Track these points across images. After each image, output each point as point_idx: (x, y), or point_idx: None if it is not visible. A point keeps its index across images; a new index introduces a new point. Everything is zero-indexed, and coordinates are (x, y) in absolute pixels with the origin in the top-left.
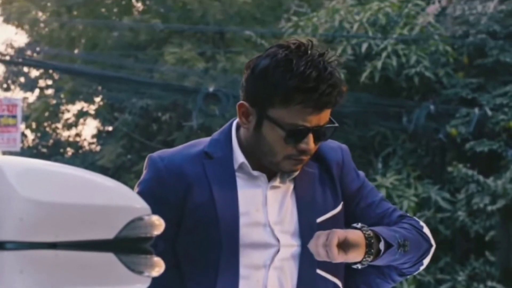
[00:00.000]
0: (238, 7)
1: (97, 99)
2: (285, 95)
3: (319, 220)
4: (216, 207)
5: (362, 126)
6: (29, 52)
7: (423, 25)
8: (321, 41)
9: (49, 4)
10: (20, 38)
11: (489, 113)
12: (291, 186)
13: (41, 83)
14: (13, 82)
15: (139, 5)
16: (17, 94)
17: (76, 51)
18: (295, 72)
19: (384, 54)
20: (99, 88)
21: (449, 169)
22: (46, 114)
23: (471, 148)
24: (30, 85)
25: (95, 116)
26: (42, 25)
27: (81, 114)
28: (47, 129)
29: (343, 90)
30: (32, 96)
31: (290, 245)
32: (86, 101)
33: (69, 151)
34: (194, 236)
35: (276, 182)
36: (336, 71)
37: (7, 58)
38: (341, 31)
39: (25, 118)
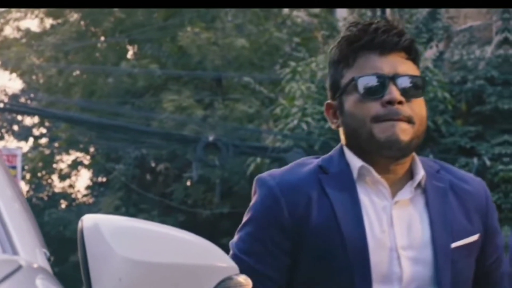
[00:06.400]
0: (236, 52)
1: (92, 149)
2: (343, 51)
3: (453, 245)
4: (341, 227)
5: None
6: (23, 99)
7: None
8: (320, 87)
9: (46, 50)
10: (14, 85)
11: (488, 163)
12: (421, 202)
13: (35, 131)
14: (7, 131)
15: (135, 48)
16: (11, 143)
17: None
18: (348, 30)
19: None
20: (94, 137)
21: None
22: (41, 164)
23: None
24: (24, 133)
25: (89, 166)
26: (38, 71)
27: (76, 164)
28: (42, 180)
29: (406, 34)
30: (26, 146)
31: (419, 276)
32: (81, 151)
33: (63, 203)
34: (318, 264)
35: (402, 196)
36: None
37: (1, 105)
38: None
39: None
